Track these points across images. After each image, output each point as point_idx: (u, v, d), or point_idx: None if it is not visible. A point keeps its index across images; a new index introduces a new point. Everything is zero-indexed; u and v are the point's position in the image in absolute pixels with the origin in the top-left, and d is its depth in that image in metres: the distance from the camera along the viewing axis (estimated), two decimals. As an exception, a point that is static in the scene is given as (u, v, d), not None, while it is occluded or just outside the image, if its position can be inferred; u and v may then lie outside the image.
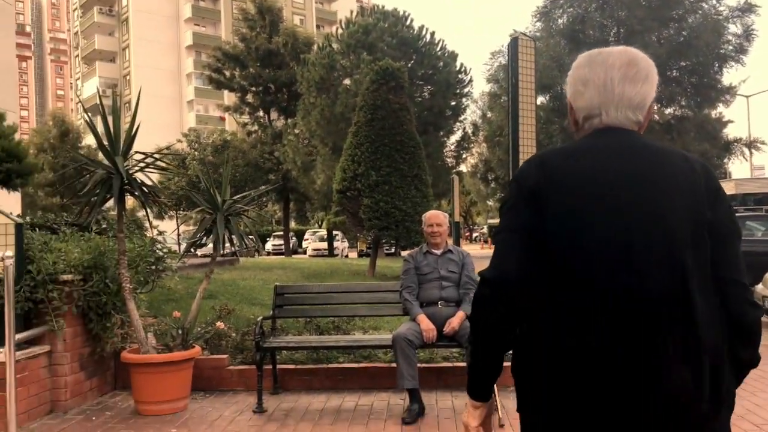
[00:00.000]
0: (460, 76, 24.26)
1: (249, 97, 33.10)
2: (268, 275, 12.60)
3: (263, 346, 4.77)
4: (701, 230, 1.34)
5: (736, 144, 12.64)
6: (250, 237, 5.30)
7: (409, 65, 21.19)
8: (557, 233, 1.34)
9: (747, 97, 33.64)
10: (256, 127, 34.14)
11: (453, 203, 19.72)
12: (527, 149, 5.97)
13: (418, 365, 4.55)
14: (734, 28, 15.80)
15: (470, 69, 25.82)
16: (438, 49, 23.62)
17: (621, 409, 1.27)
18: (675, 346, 1.27)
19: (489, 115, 23.09)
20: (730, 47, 11.42)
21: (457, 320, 4.57)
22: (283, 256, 28.00)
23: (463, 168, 28.87)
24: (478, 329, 1.42)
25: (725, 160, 12.75)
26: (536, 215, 1.36)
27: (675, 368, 1.27)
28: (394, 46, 22.03)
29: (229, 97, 40.86)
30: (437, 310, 4.70)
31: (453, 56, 24.07)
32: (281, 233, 35.60)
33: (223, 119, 57.74)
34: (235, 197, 5.04)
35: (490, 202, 36.73)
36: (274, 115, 33.82)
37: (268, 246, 35.56)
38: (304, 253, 34.79)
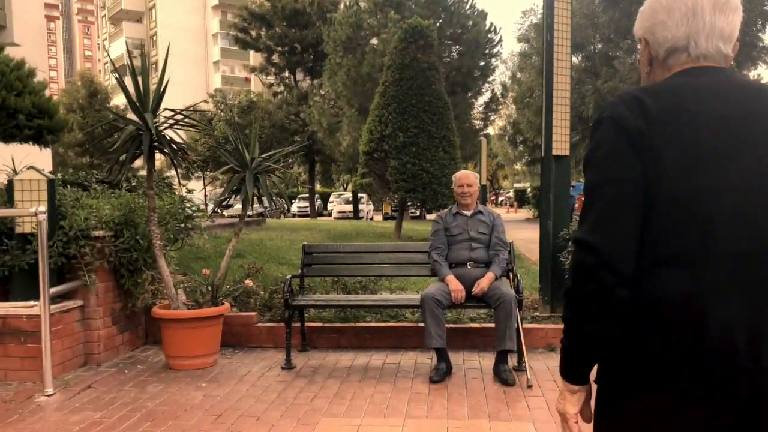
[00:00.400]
0: (489, 35, 23.73)
1: (275, 58, 32.88)
2: (295, 236, 12.67)
3: (292, 304, 4.79)
4: None
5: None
6: (279, 197, 5.27)
7: (438, 24, 20.73)
8: (674, 185, 1.19)
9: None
10: (282, 88, 33.99)
11: (480, 166, 19.51)
12: (562, 109, 5.80)
13: (446, 325, 4.53)
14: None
15: (500, 28, 25.30)
16: (467, 7, 23.08)
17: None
18: None
19: (519, 75, 22.61)
20: (776, 4, 10.93)
21: (486, 281, 4.52)
22: (309, 218, 28.14)
23: (490, 130, 28.50)
24: (581, 305, 1.22)
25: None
26: (646, 163, 1.19)
27: None
28: (422, 5, 21.57)
29: (255, 58, 40.63)
30: (466, 271, 4.65)
31: (482, 15, 23.50)
32: (306, 195, 35.73)
33: (248, 80, 57.61)
34: (263, 155, 5.00)
35: (517, 166, 36.31)
36: (299, 75, 33.62)
37: (294, 208, 35.71)
38: (329, 215, 34.90)
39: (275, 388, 4.31)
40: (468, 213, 4.82)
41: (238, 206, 6.00)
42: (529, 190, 35.26)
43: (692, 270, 1.17)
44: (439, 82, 12.41)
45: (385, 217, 30.21)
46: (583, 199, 1.28)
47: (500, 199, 46.64)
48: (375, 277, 5.73)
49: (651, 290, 1.19)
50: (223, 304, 4.93)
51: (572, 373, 1.32)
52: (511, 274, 4.84)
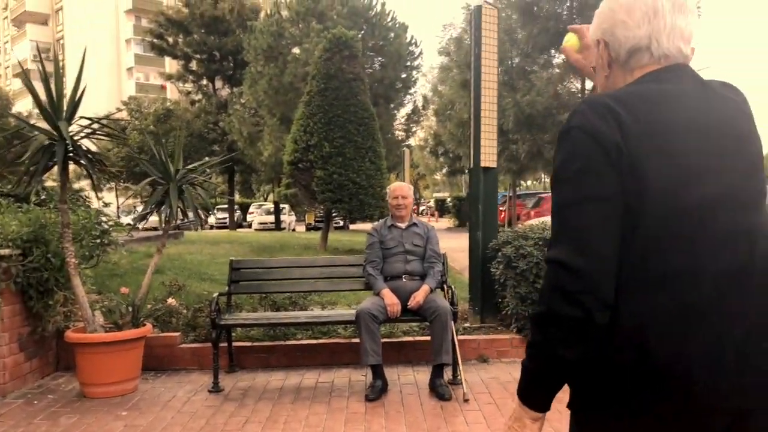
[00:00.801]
0: (410, 48, 24.01)
1: (193, 65, 31.96)
2: (216, 249, 12.26)
3: (219, 324, 4.56)
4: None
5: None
6: (205, 210, 5.03)
7: (360, 35, 20.78)
8: (659, 203, 1.12)
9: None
10: (200, 96, 33.07)
11: (403, 176, 19.64)
12: (489, 122, 5.86)
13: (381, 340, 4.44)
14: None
15: (421, 41, 25.65)
16: (389, 19, 23.26)
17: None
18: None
19: (440, 88, 23.00)
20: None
21: (421, 294, 4.47)
22: (228, 230, 27.41)
23: (411, 141, 28.81)
24: (556, 330, 1.14)
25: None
26: (624, 180, 1.12)
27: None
28: (345, 15, 21.55)
29: (171, 65, 39.40)
30: (401, 284, 4.59)
31: (403, 27, 23.77)
32: (225, 206, 34.84)
33: (164, 88, 55.71)
34: (188, 166, 4.76)
35: (437, 176, 36.93)
36: (218, 83, 32.82)
37: (212, 219, 34.74)
38: (249, 226, 34.18)
39: (203, 414, 4.07)
40: (403, 225, 4.77)
41: (154, 218, 5.70)
42: (449, 199, 35.88)
43: (678, 292, 1.11)
44: (364, 92, 12.39)
45: (308, 228, 29.87)
46: (550, 216, 1.21)
47: (421, 208, 47.27)
48: (306, 292, 5.57)
49: (633, 314, 1.12)
50: (144, 325, 4.63)
51: (537, 399, 1.23)
52: (445, 285, 4.81)
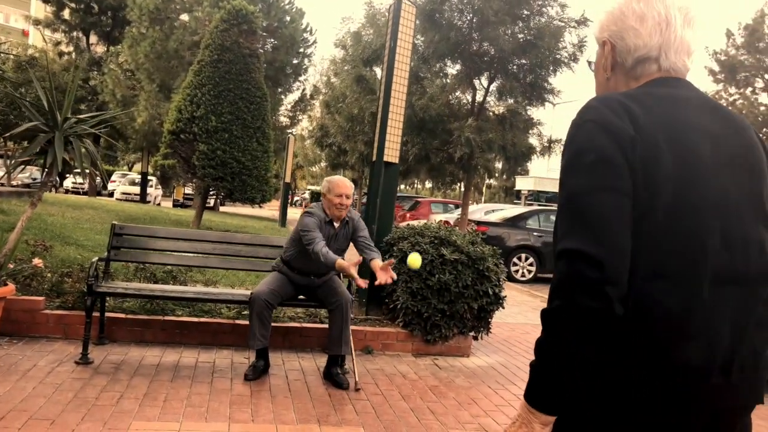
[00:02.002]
0: (305, 35, 23.72)
1: (65, 13, 29.28)
2: (79, 214, 11.34)
3: (96, 291, 4.18)
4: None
5: (556, 143, 13.84)
6: (95, 168, 4.58)
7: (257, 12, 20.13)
8: (670, 198, 1.13)
9: (554, 104, 37.23)
10: (70, 49, 30.38)
11: (285, 163, 19.30)
12: (397, 118, 5.89)
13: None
14: (569, 38, 17.29)
15: (316, 30, 25.39)
16: (287, 2, 22.82)
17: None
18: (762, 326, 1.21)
19: (333, 80, 22.89)
20: (566, 54, 12.40)
21: (385, 266, 4.02)
22: (86, 197, 25.44)
23: (295, 130, 28.40)
24: (578, 324, 1.10)
25: (545, 157, 13.90)
26: (635, 174, 1.12)
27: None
28: (242, -10, 20.79)
29: (38, 9, 35.87)
30: (308, 280, 4.43)
31: (300, 13, 23.44)
32: (90, 169, 32.24)
33: (26, 34, 50.65)
34: (80, 116, 4.32)
35: (315, 168, 36.70)
36: (93, 38, 30.35)
37: (67, 183, 32.02)
38: (110, 195, 31.96)
39: (70, 386, 3.71)
40: (336, 225, 4.40)
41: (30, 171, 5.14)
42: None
43: (680, 288, 1.13)
44: (259, 70, 11.97)
45: (175, 205, 28.50)
46: (558, 206, 1.19)
47: (295, 199, 46.68)
48: (197, 267, 5.27)
49: (636, 306, 1.13)
50: (6, 284, 4.14)
51: (549, 401, 1.16)
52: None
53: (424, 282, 5.04)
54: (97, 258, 4.34)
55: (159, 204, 28.98)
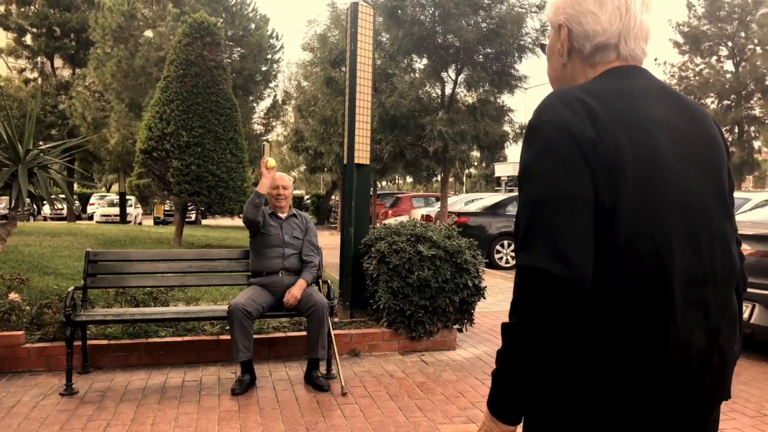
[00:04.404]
0: (272, 41, 23.65)
1: (27, 39, 28.92)
2: (57, 242, 11.23)
3: (75, 320, 4.17)
4: (730, 192, 1.24)
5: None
6: (61, 196, 4.56)
7: (219, 24, 20.03)
8: (634, 202, 1.09)
9: (526, 89, 37.39)
10: (36, 75, 30.02)
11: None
12: (364, 119, 5.91)
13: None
14: (531, 23, 17.38)
15: (282, 35, 25.33)
16: (250, 9, 22.73)
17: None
18: (731, 323, 1.20)
19: (303, 84, 22.84)
20: (529, 39, 12.47)
21: (297, 288, 4.40)
22: (66, 222, 25.19)
23: (270, 137, 28.31)
24: (536, 340, 1.08)
25: (518, 143, 13.98)
26: (596, 178, 1.07)
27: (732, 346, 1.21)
28: (204, 1, 20.69)
29: (1, 37, 35.38)
30: (278, 279, 4.48)
31: (265, 19, 23.35)
32: (62, 196, 31.92)
33: (-11, 62, 49.84)
34: (41, 147, 4.29)
35: (294, 173, 36.58)
36: (58, 62, 30.02)
37: (46, 210, 31.68)
38: (90, 218, 31.65)
39: (56, 419, 3.69)
40: (282, 216, 4.66)
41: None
42: (306, 197, 35.74)
43: (652, 294, 1.10)
44: (226, 81, 11.93)
45: (156, 222, 28.30)
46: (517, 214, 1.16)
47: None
48: (173, 287, 5.26)
49: (608, 315, 1.10)
50: (-18, 323, 4.12)
51: (514, 411, 1.14)
52: (320, 280, 4.78)
53: (404, 280, 5.08)
54: (72, 287, 4.32)
55: (140, 223, 28.77)
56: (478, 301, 5.41)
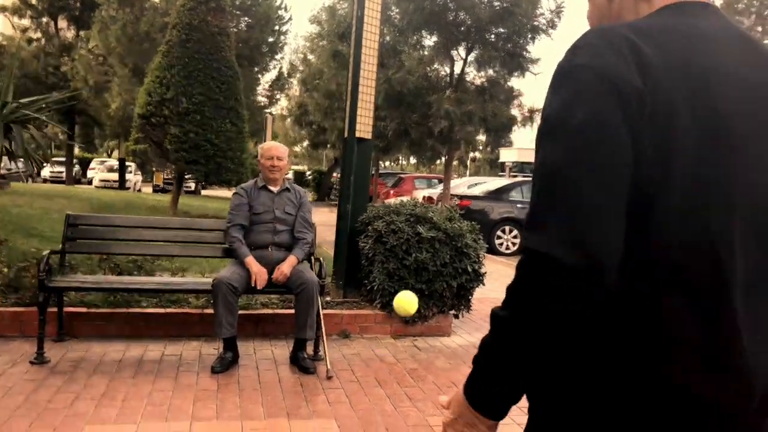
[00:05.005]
0: (280, 12, 23.18)
1: (32, -1, 28.42)
2: (49, 204, 10.98)
3: (49, 286, 3.93)
4: None
5: (537, 113, 13.61)
6: (39, 154, 4.30)
7: (228, -10, 19.60)
8: (687, 182, 0.84)
9: (535, 74, 36.90)
10: (38, 35, 29.54)
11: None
12: (367, 91, 5.62)
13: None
14: (546, 3, 16.95)
15: (290, 6, 24.91)
16: (260, -21, 22.25)
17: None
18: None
19: (310, 57, 22.45)
20: (543, 21, 12.12)
21: (287, 265, 4.16)
22: (64, 185, 24.95)
23: (274, 110, 27.95)
24: (532, 335, 0.87)
25: (526, 127, 13.70)
26: (639, 142, 0.83)
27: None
28: (212, -33, 20.20)
29: (5, -6, 34.81)
30: (267, 254, 4.24)
31: (274, -11, 22.88)
32: (62, 159, 31.61)
33: (-6, 20, 49.27)
34: (21, 101, 4.02)
35: (298, 148, 36.25)
36: (62, 23, 29.53)
37: (45, 172, 31.42)
38: (90, 183, 31.39)
39: (22, 389, 3.47)
40: (275, 189, 4.39)
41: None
42: (308, 172, 35.46)
43: (703, 299, 0.85)
44: (229, 49, 11.58)
45: (155, 190, 28.02)
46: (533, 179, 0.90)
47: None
48: (155, 256, 5.02)
49: (641, 324, 0.86)
50: (-49, 283, 3.88)
51: (499, 405, 0.95)
52: (313, 258, 4.53)
53: (400, 262, 4.83)
54: (48, 251, 4.08)
55: (139, 190, 28.54)
56: (477, 287, 5.17)
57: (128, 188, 28.03)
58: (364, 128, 5.69)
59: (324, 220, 17.21)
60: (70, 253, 4.47)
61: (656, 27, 0.90)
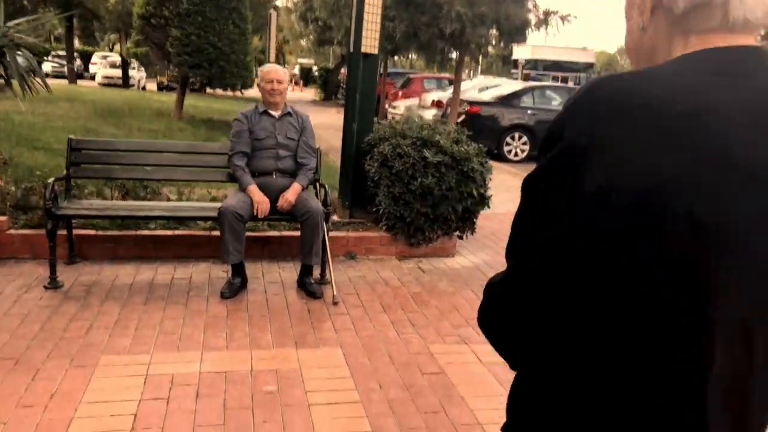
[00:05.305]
0: None
1: None
2: (52, 109, 10.89)
3: (56, 214, 3.96)
4: None
5: (552, 15, 13.03)
6: (33, 75, 4.18)
7: None
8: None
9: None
10: None
11: (269, 40, 18.34)
12: (375, 2, 5.36)
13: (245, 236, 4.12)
14: None
15: None
16: None
17: None
18: None
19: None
20: None
21: (292, 193, 4.15)
22: (66, 81, 24.54)
23: (279, 2, 26.87)
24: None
25: (540, 30, 13.17)
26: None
27: None
28: None
29: None
30: (271, 180, 4.23)
31: None
32: (62, 53, 30.83)
33: None
34: (10, 23, 3.87)
35: (303, 42, 35.21)
36: None
37: (46, 67, 30.75)
38: (92, 78, 30.83)
39: (38, 316, 3.59)
40: (276, 114, 4.30)
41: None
42: (315, 69, 34.62)
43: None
44: (230, -58, 11.00)
45: (160, 88, 27.54)
46: None
47: (284, 75, 45.07)
48: (160, 181, 5.01)
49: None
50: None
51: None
52: (318, 184, 4.52)
53: (406, 186, 4.81)
54: (53, 179, 4.07)
55: (144, 88, 28.08)
56: (482, 209, 5.18)
57: (132, 86, 27.56)
58: (371, 42, 5.48)
59: (331, 122, 17.01)
60: (75, 178, 4.47)
61: (676, 88, 0.74)
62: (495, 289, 0.90)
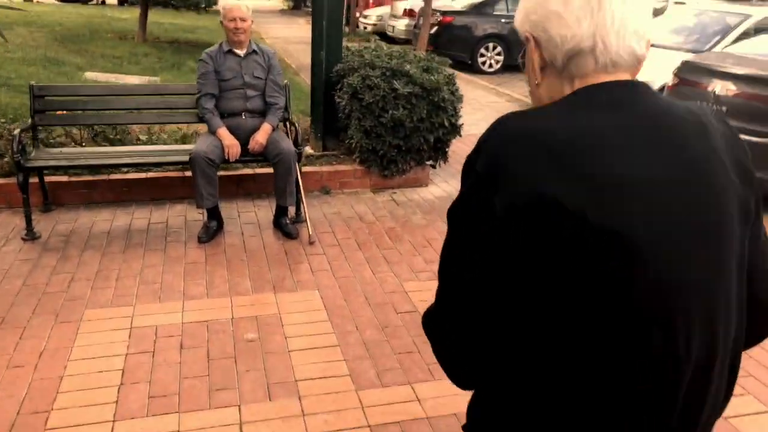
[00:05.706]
0: None
1: None
2: (8, 35, 10.38)
3: (26, 166, 3.94)
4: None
5: None
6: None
7: None
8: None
9: None
10: None
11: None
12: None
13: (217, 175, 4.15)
14: None
15: None
16: None
17: None
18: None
19: None
20: None
21: (262, 134, 4.15)
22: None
23: None
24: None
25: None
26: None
27: None
28: None
29: None
30: (241, 122, 4.21)
31: None
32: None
33: None
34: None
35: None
36: None
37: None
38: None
39: (19, 271, 3.65)
40: (241, 53, 4.22)
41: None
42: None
43: None
44: None
45: (121, 2, 26.22)
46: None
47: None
48: (128, 125, 4.94)
49: None
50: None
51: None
52: (288, 122, 4.50)
53: (377, 119, 4.81)
54: (19, 130, 4.01)
55: (104, 2, 26.70)
56: (454, 138, 5.21)
57: (92, 1, 26.17)
58: (337, -35, 5.29)
59: (300, 35, 16.48)
60: (41, 126, 4.40)
61: (564, 127, 0.89)
62: (432, 325, 1.00)
